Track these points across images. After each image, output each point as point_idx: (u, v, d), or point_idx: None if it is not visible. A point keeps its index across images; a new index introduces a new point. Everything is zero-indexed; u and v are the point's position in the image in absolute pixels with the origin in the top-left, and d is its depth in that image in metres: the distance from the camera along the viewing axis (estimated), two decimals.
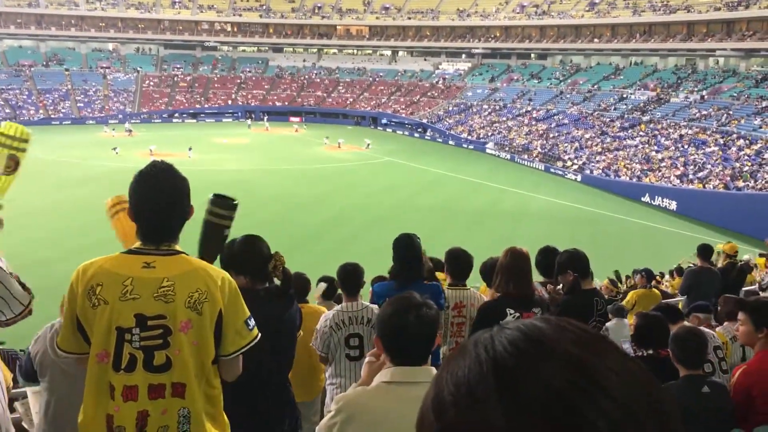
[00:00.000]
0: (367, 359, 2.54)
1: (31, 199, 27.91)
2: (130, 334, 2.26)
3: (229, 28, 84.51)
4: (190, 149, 43.08)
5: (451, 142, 57.84)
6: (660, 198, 33.41)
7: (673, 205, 32.23)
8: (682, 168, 37.03)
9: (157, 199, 2.37)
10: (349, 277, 4.72)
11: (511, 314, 4.11)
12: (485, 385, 0.61)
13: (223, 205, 2.99)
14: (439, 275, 5.91)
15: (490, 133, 56.80)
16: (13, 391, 4.17)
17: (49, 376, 3.20)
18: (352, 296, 4.65)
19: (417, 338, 2.28)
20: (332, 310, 4.60)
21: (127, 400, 2.25)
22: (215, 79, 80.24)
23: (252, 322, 2.49)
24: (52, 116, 65.72)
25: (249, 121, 68.01)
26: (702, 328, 4.71)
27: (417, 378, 2.23)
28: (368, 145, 51.78)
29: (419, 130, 64.73)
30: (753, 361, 3.78)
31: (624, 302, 9.12)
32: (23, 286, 2.74)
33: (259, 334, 2.53)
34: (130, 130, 55.80)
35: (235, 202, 3.02)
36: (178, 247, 2.43)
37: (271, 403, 3.27)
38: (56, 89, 70.49)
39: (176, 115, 71.98)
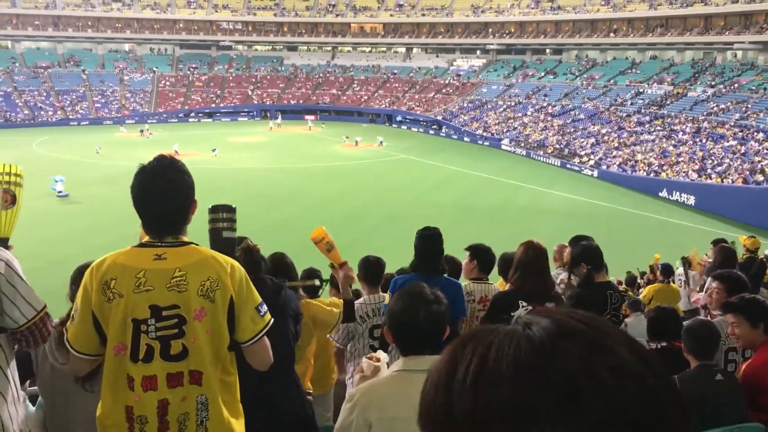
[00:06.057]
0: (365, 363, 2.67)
1: (49, 199, 28.27)
2: (145, 325, 2.30)
3: (243, 28, 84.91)
4: (214, 150, 43.91)
5: (466, 139, 57.62)
6: (678, 193, 33.05)
7: (692, 200, 31.90)
8: (700, 162, 36.70)
9: (158, 193, 2.42)
10: (373, 270, 4.76)
11: (523, 306, 4.04)
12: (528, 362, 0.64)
13: (220, 210, 3.02)
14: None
15: (505, 130, 56.56)
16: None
17: (50, 373, 3.15)
18: (373, 288, 4.72)
19: (426, 333, 2.37)
20: (355, 302, 4.65)
21: (147, 390, 2.29)
22: (230, 78, 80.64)
23: (264, 309, 2.51)
24: (70, 117, 66.44)
25: (278, 120, 66.70)
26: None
27: (428, 366, 2.30)
28: (381, 142, 51.79)
29: (434, 127, 64.55)
30: (758, 355, 3.71)
31: (641, 297, 8.99)
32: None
33: (272, 320, 2.55)
34: (146, 130, 56.06)
35: (232, 206, 3.07)
36: (185, 238, 2.47)
37: (262, 410, 3.07)
38: (74, 90, 71.23)
39: (192, 114, 72.43)
